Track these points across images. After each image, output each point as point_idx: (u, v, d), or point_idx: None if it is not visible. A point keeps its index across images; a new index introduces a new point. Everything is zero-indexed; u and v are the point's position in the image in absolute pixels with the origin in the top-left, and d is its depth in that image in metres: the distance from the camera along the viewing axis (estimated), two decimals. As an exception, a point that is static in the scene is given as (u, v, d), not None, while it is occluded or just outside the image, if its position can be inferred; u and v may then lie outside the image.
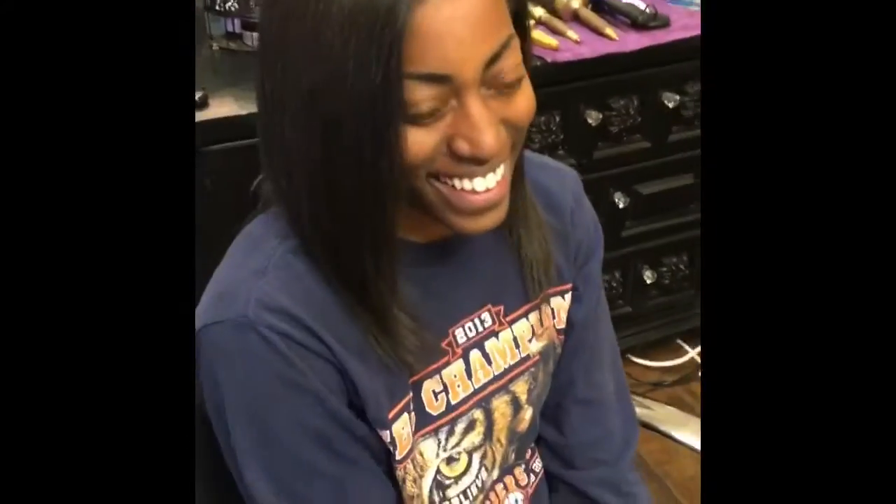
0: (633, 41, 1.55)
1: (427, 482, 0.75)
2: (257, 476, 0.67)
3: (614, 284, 1.81)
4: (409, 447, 0.72)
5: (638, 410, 1.81)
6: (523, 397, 0.80)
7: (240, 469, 0.67)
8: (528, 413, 0.81)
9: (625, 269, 1.83)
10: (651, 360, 1.93)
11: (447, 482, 0.76)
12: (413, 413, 0.72)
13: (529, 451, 0.88)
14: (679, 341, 1.97)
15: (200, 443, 0.78)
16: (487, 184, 0.62)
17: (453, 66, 0.57)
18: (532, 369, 0.80)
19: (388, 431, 0.69)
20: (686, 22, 1.61)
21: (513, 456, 0.83)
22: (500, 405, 0.78)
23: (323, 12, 0.55)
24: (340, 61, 0.55)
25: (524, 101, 0.62)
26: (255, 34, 1.44)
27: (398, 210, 0.62)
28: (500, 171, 0.63)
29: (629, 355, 1.89)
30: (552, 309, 0.81)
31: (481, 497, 0.80)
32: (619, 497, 0.87)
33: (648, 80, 1.62)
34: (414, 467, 0.73)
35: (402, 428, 0.70)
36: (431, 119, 0.58)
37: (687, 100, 1.67)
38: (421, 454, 0.73)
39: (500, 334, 0.77)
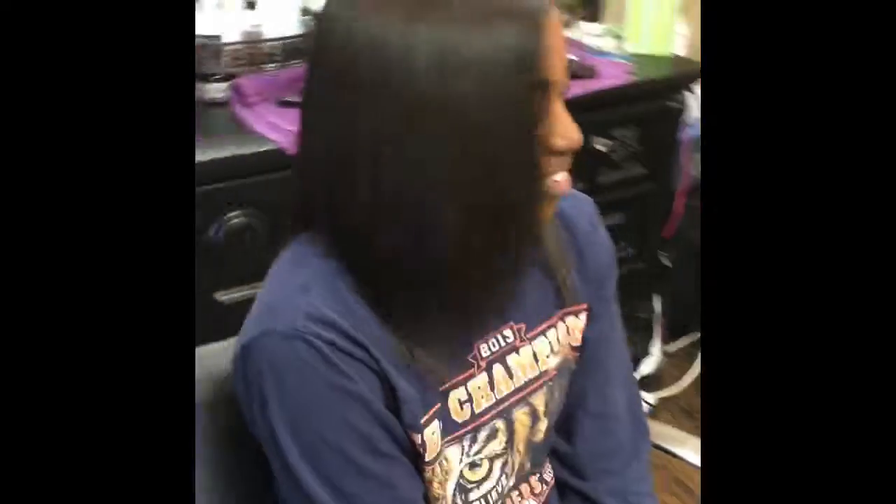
0: (565, 90, 1.66)
1: (451, 485, 0.80)
2: (313, 481, 0.71)
3: (551, 320, 1.90)
4: (437, 451, 0.77)
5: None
6: (541, 409, 0.85)
7: (296, 477, 0.71)
8: (544, 425, 0.87)
9: (561, 305, 1.92)
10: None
11: (469, 486, 0.81)
12: (441, 420, 0.77)
13: (548, 462, 0.93)
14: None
15: (240, 465, 0.83)
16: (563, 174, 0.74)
17: (557, 74, 0.68)
18: (549, 383, 0.85)
19: (420, 435, 0.75)
20: (612, 72, 1.73)
21: (528, 465, 0.88)
22: (521, 416, 0.83)
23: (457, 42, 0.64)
24: (492, 79, 0.64)
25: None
26: (206, 85, 1.49)
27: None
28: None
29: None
30: (568, 327, 0.86)
31: (500, 502, 0.85)
32: None
33: (580, 125, 1.73)
34: (441, 471, 0.78)
35: (432, 433, 0.76)
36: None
37: (615, 144, 1.78)
38: (446, 459, 0.79)
39: (521, 350, 0.83)
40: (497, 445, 0.82)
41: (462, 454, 0.80)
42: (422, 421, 0.75)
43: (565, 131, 0.71)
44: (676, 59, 1.85)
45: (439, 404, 0.77)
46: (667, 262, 2.04)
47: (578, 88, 1.67)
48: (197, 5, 1.47)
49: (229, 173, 1.36)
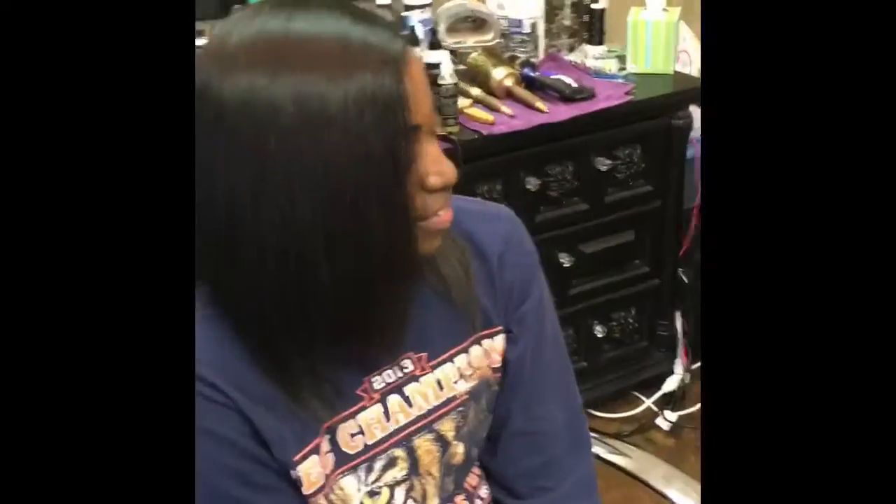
0: (562, 112, 1.69)
1: None
2: None
3: (568, 341, 1.91)
4: (320, 484, 0.79)
5: (616, 458, 1.90)
6: (450, 434, 0.86)
7: None
8: (459, 448, 0.87)
9: (576, 325, 1.93)
10: (610, 412, 2.01)
11: None
12: (330, 454, 0.79)
13: (476, 478, 0.93)
14: (635, 392, 2.05)
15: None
16: (445, 210, 0.74)
17: (421, 116, 0.69)
18: (460, 408, 0.85)
19: (293, 471, 0.77)
20: (610, 93, 1.75)
21: (451, 486, 0.89)
22: (424, 443, 0.84)
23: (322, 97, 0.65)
24: (356, 131, 0.65)
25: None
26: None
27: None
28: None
29: (589, 409, 1.97)
30: (485, 350, 0.86)
31: None
32: None
33: (581, 147, 1.76)
34: (331, 501, 0.80)
35: (310, 468, 0.78)
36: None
37: (619, 163, 1.80)
38: (342, 489, 0.81)
39: (422, 378, 0.83)
40: (397, 473, 0.84)
41: (359, 483, 0.82)
42: (294, 458, 0.77)
43: (438, 169, 0.72)
44: (677, 77, 1.86)
45: (320, 439, 0.78)
46: (686, 280, 2.03)
47: (577, 110, 1.71)
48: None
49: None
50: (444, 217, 0.74)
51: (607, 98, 1.73)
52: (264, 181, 0.66)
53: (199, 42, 1.58)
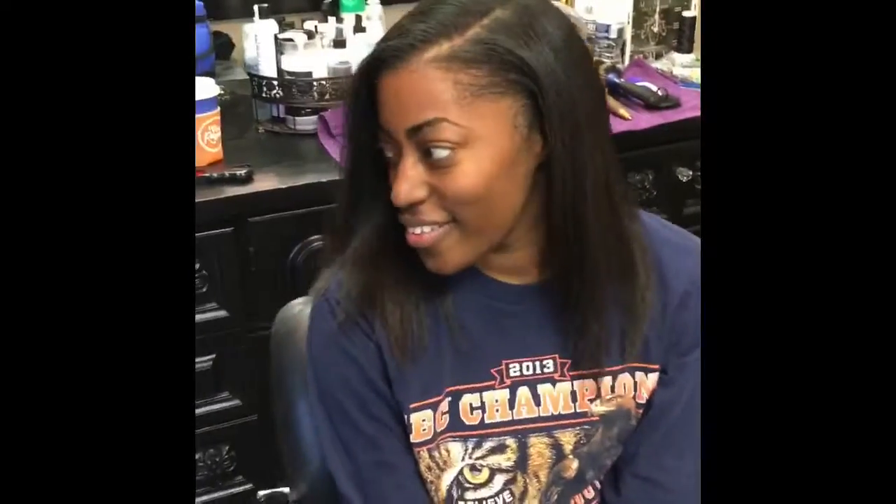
0: (645, 120, 1.67)
1: (448, 476, 0.84)
2: (323, 418, 0.83)
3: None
4: (427, 438, 0.81)
5: None
6: (568, 447, 0.84)
7: (317, 413, 0.84)
8: (573, 463, 0.85)
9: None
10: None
11: (468, 486, 0.84)
12: (447, 415, 0.82)
13: (582, 499, 0.90)
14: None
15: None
16: (416, 231, 0.74)
17: (387, 124, 0.71)
18: (587, 426, 0.83)
19: (407, 416, 0.81)
20: (696, 102, 1.72)
21: (555, 497, 0.87)
22: (538, 444, 0.84)
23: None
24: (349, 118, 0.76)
25: (455, 182, 0.70)
26: (297, 118, 1.60)
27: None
28: (427, 229, 0.73)
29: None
30: (634, 381, 0.83)
31: None
32: None
33: (662, 156, 1.73)
34: (433, 458, 0.82)
35: (421, 419, 0.81)
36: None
37: (700, 175, 1.77)
38: (447, 451, 0.83)
39: (559, 383, 0.82)
40: (503, 460, 0.84)
41: (465, 453, 0.83)
42: (411, 405, 0.81)
43: (391, 188, 0.72)
44: (767, 89, 1.82)
45: (441, 398, 0.81)
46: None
47: (660, 119, 1.68)
48: (289, 44, 1.58)
49: (312, 199, 1.45)
50: (412, 237, 0.74)
51: (693, 108, 1.70)
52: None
53: (290, 34, 1.62)
